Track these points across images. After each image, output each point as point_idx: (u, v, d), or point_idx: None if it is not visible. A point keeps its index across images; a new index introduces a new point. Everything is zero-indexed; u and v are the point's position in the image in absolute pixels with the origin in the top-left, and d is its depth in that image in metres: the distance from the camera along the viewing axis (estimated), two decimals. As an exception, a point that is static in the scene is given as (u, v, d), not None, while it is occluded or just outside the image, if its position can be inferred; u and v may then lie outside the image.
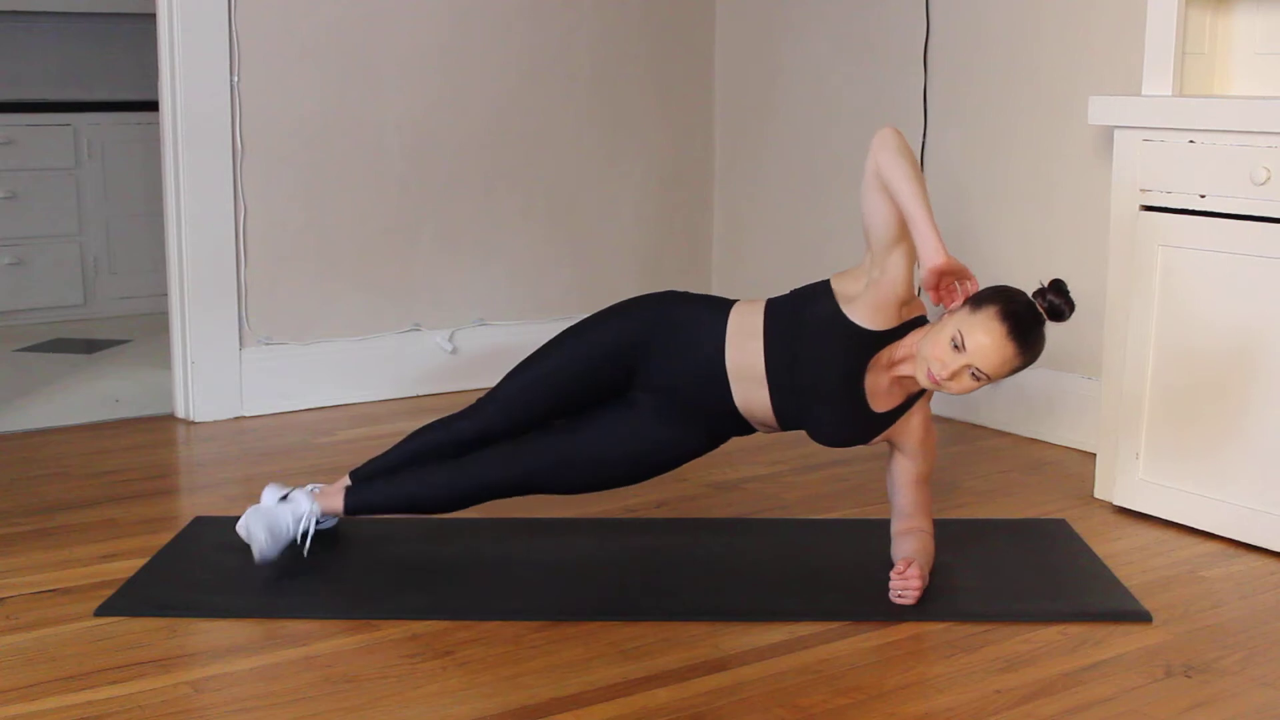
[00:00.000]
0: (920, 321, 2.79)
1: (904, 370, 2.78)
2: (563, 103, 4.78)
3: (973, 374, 2.64)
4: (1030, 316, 2.65)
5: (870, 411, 2.81)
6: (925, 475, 2.92)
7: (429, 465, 2.95)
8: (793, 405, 2.84)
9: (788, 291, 2.93)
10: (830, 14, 4.65)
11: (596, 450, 2.90)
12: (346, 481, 3.04)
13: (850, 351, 2.76)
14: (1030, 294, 2.70)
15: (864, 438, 2.86)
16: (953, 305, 2.68)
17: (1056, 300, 2.68)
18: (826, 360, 2.76)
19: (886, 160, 2.68)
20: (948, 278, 2.65)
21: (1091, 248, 3.85)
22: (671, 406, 2.88)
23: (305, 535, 2.94)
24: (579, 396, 2.94)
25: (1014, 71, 4.10)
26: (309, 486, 3.06)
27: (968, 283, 2.68)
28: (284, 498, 2.96)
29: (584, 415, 2.94)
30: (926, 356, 2.66)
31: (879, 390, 2.81)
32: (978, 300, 2.65)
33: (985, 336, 2.60)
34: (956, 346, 2.62)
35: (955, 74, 4.27)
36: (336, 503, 2.96)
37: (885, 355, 2.77)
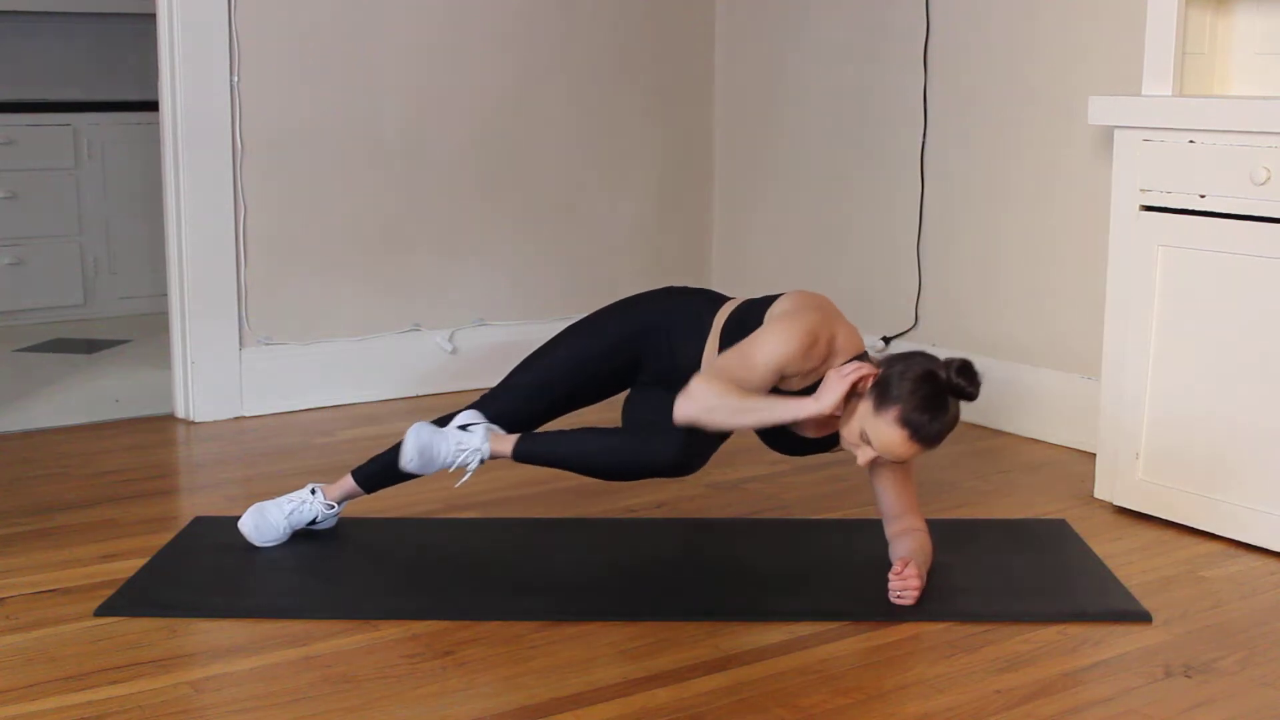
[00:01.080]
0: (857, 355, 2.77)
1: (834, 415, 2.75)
2: (563, 102, 4.78)
3: (886, 459, 2.67)
4: (933, 410, 2.58)
5: (803, 439, 2.84)
6: (905, 476, 2.90)
7: (588, 431, 2.88)
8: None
9: (759, 297, 2.93)
10: (830, 14, 4.65)
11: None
12: (349, 480, 3.05)
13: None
14: (938, 368, 2.60)
15: (815, 451, 2.88)
16: (862, 388, 2.62)
17: (962, 383, 2.58)
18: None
19: (707, 420, 2.66)
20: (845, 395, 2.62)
21: (1091, 248, 3.85)
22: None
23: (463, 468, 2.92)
24: (585, 390, 2.99)
25: (1014, 71, 4.10)
26: (309, 486, 3.07)
27: (855, 378, 2.61)
28: (463, 428, 2.93)
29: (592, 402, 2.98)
30: (843, 436, 2.68)
31: (811, 424, 2.79)
32: (883, 393, 2.59)
33: (889, 438, 2.60)
34: (865, 440, 2.63)
35: (955, 74, 4.27)
36: (504, 447, 2.89)
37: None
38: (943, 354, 2.68)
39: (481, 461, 2.91)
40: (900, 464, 2.88)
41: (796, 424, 2.77)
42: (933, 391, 2.58)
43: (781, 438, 2.88)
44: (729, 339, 2.84)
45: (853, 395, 2.63)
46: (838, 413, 2.65)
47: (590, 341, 2.98)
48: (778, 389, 2.73)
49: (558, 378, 2.97)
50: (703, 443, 2.81)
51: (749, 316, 2.85)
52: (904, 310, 4.47)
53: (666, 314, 2.95)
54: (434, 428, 2.94)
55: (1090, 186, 3.89)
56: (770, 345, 2.69)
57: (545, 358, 3.01)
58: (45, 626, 2.63)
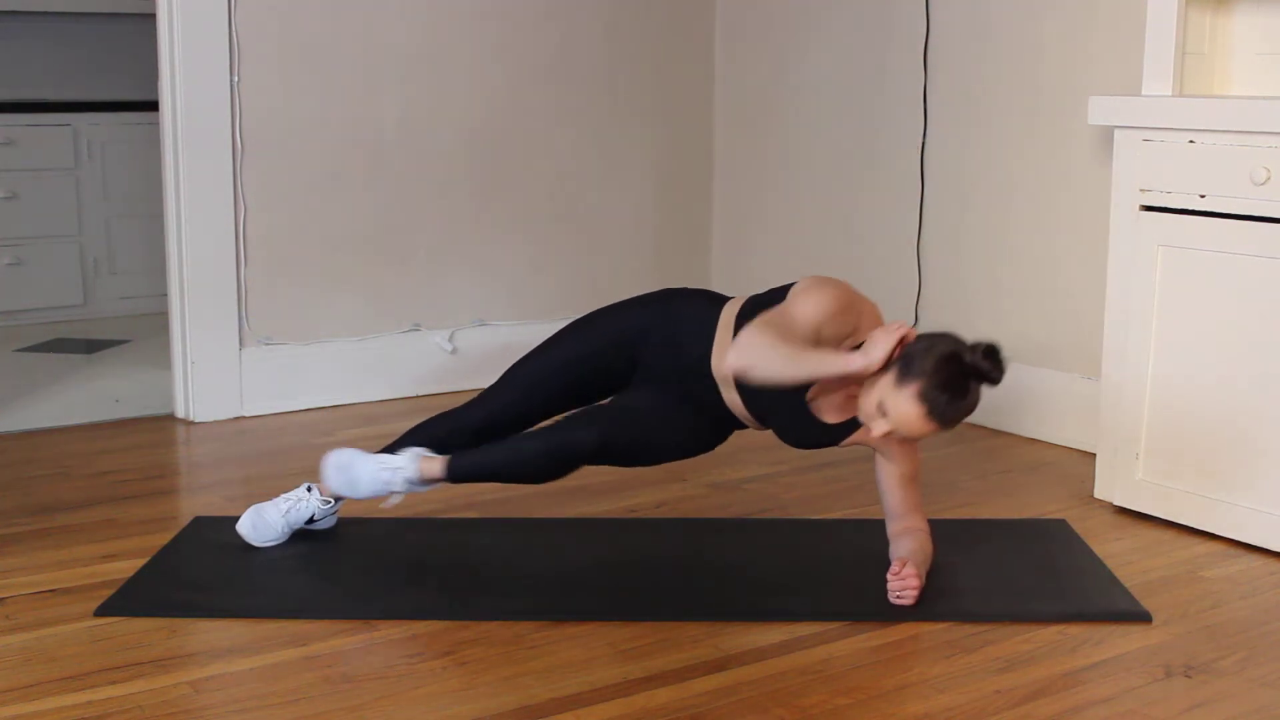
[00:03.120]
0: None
1: (856, 391, 2.78)
2: (563, 102, 4.78)
3: (899, 435, 2.67)
4: (953, 392, 2.58)
5: (821, 423, 2.84)
6: (910, 475, 2.91)
7: (513, 438, 2.90)
8: (759, 409, 2.88)
9: (764, 291, 2.93)
10: (830, 14, 4.65)
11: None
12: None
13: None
14: (964, 349, 2.61)
15: (826, 443, 2.89)
16: (894, 356, 2.63)
17: (986, 366, 2.59)
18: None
19: (758, 372, 2.65)
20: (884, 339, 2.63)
21: (1091, 248, 3.85)
22: (676, 394, 2.90)
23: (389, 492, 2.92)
24: (585, 385, 2.99)
25: (1014, 71, 4.09)
26: (304, 485, 3.07)
27: (903, 333, 2.62)
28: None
29: (591, 398, 2.98)
30: (862, 406, 2.69)
31: (831, 405, 2.82)
32: (906, 367, 2.60)
33: (906, 411, 2.60)
34: (882, 413, 2.63)
35: (955, 74, 4.27)
36: (435, 468, 2.88)
37: (834, 379, 2.77)
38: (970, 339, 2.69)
39: (408, 483, 2.89)
40: (908, 462, 2.88)
41: (821, 400, 2.78)
42: (956, 372, 2.58)
43: (797, 424, 2.85)
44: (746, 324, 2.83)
45: (890, 362, 2.62)
46: (875, 373, 2.64)
47: (585, 341, 2.98)
48: None
49: (552, 377, 2.97)
50: (637, 429, 2.84)
51: (767, 303, 2.84)
52: (904, 310, 4.47)
53: (667, 313, 2.95)
54: (358, 451, 2.93)
55: (1090, 186, 3.89)
56: (808, 305, 2.70)
57: (541, 357, 3.01)
58: (45, 626, 2.63)
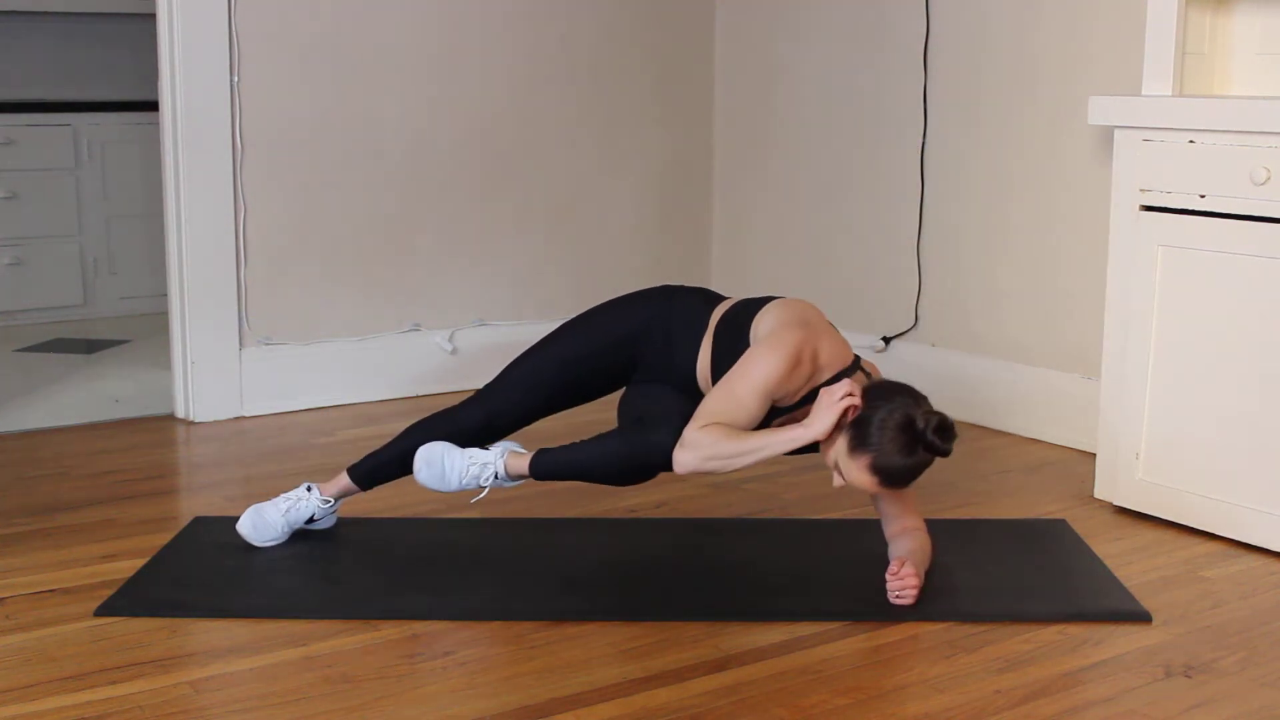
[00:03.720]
0: (830, 383, 2.75)
1: None
2: (562, 102, 4.78)
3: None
4: (902, 459, 2.59)
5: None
6: None
7: (597, 438, 2.87)
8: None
9: (757, 297, 2.94)
10: (830, 14, 4.65)
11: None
12: (344, 477, 3.05)
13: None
14: (916, 418, 2.59)
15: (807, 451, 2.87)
16: (841, 422, 2.63)
17: (937, 441, 2.58)
18: None
19: (711, 466, 2.68)
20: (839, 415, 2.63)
21: (1091, 248, 3.85)
22: (673, 398, 2.90)
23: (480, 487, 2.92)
24: (582, 387, 2.99)
25: (1014, 71, 4.10)
26: (304, 484, 3.07)
27: (846, 404, 2.62)
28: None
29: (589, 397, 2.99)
30: (822, 456, 2.70)
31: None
32: (860, 437, 2.60)
33: (859, 479, 2.63)
34: (839, 471, 2.66)
35: (955, 74, 4.27)
36: (521, 465, 2.88)
37: (801, 413, 2.78)
38: (928, 394, 2.70)
39: (496, 477, 2.90)
40: None
41: (794, 417, 2.79)
42: (907, 442, 2.59)
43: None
44: (721, 340, 2.86)
45: (842, 425, 2.64)
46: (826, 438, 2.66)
47: (586, 339, 2.98)
48: (774, 407, 2.75)
49: (552, 375, 2.97)
50: None
51: (739, 320, 2.86)
52: (904, 310, 4.47)
53: (663, 312, 2.95)
54: (448, 445, 2.93)
55: (1090, 186, 3.89)
56: (753, 376, 2.70)
57: (540, 354, 3.00)
58: (45, 626, 2.63)
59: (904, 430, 2.58)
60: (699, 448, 2.66)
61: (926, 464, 2.63)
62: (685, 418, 2.74)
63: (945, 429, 2.60)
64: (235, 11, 4.14)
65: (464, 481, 2.91)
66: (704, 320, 2.90)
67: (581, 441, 2.86)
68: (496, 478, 2.90)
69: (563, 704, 2.33)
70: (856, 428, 2.61)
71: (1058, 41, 3.97)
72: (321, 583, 2.87)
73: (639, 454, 2.76)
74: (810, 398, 2.75)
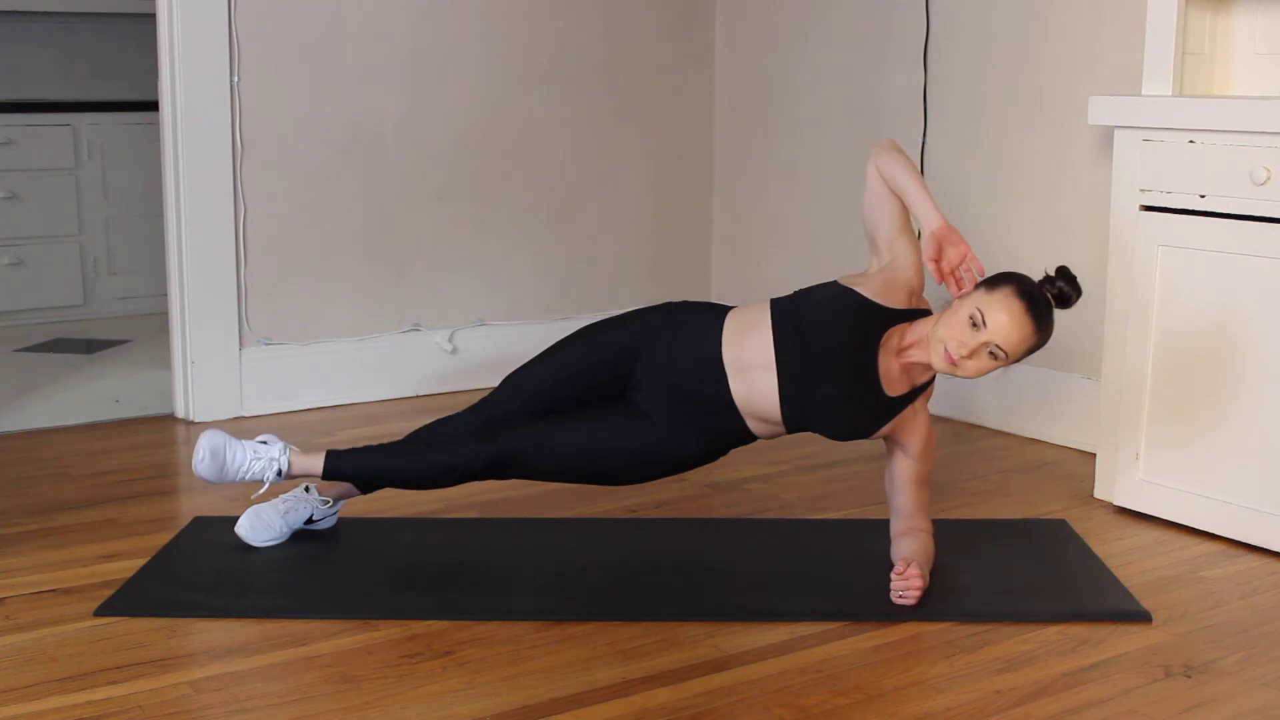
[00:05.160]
0: (927, 314, 2.85)
1: (913, 356, 2.79)
2: (563, 103, 4.78)
3: (991, 352, 2.68)
4: (1044, 297, 2.73)
5: (881, 392, 2.80)
6: (924, 475, 2.92)
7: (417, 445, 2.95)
8: (798, 388, 2.80)
9: (790, 294, 2.94)
10: (830, 14, 4.65)
11: (594, 440, 2.88)
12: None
13: (862, 324, 2.78)
14: (1038, 280, 2.77)
15: (871, 424, 2.83)
16: (963, 291, 2.74)
17: (1065, 287, 2.76)
18: (839, 331, 2.77)
19: (885, 159, 2.89)
20: (950, 250, 2.74)
21: (1091, 248, 3.85)
22: (671, 407, 2.88)
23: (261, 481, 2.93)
24: (579, 398, 2.96)
25: (1014, 71, 4.09)
26: (302, 484, 3.07)
27: (973, 266, 2.76)
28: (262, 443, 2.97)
29: (587, 409, 2.95)
30: (943, 337, 2.69)
31: (889, 375, 2.81)
32: (991, 282, 2.73)
33: (1004, 313, 2.66)
34: (975, 324, 2.67)
35: (955, 74, 4.27)
36: (311, 464, 2.91)
37: (895, 337, 2.80)
38: None
39: (280, 474, 2.89)
40: (924, 461, 2.89)
41: (888, 346, 2.81)
42: (1040, 285, 2.76)
43: (856, 399, 2.80)
44: (788, 315, 2.84)
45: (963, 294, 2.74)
46: (922, 339, 2.78)
47: (589, 350, 2.96)
48: (881, 307, 2.80)
49: (552, 387, 2.95)
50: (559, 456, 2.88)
51: (805, 297, 2.87)
52: (904, 310, 4.47)
53: (667, 324, 2.93)
54: (229, 436, 2.93)
55: (1090, 186, 3.89)
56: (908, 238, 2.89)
57: (542, 366, 2.99)
58: (45, 626, 2.63)
59: (1027, 278, 2.74)
60: (890, 149, 2.90)
61: (1056, 308, 2.75)
62: (487, 435, 2.84)
63: (1065, 271, 2.78)
64: (235, 11, 4.14)
65: (244, 475, 2.90)
66: (713, 319, 2.89)
67: (384, 446, 2.92)
68: (280, 474, 2.90)
69: (563, 704, 2.33)
70: (984, 281, 2.74)
71: (1058, 41, 3.97)
72: (321, 583, 2.87)
73: (448, 472, 2.85)
74: (913, 316, 2.82)
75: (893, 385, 2.81)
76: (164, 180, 4.19)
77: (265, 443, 2.93)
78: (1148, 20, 3.41)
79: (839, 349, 2.77)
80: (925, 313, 2.85)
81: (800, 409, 2.83)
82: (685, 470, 2.96)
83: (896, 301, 2.81)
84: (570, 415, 2.92)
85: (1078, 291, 2.77)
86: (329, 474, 2.93)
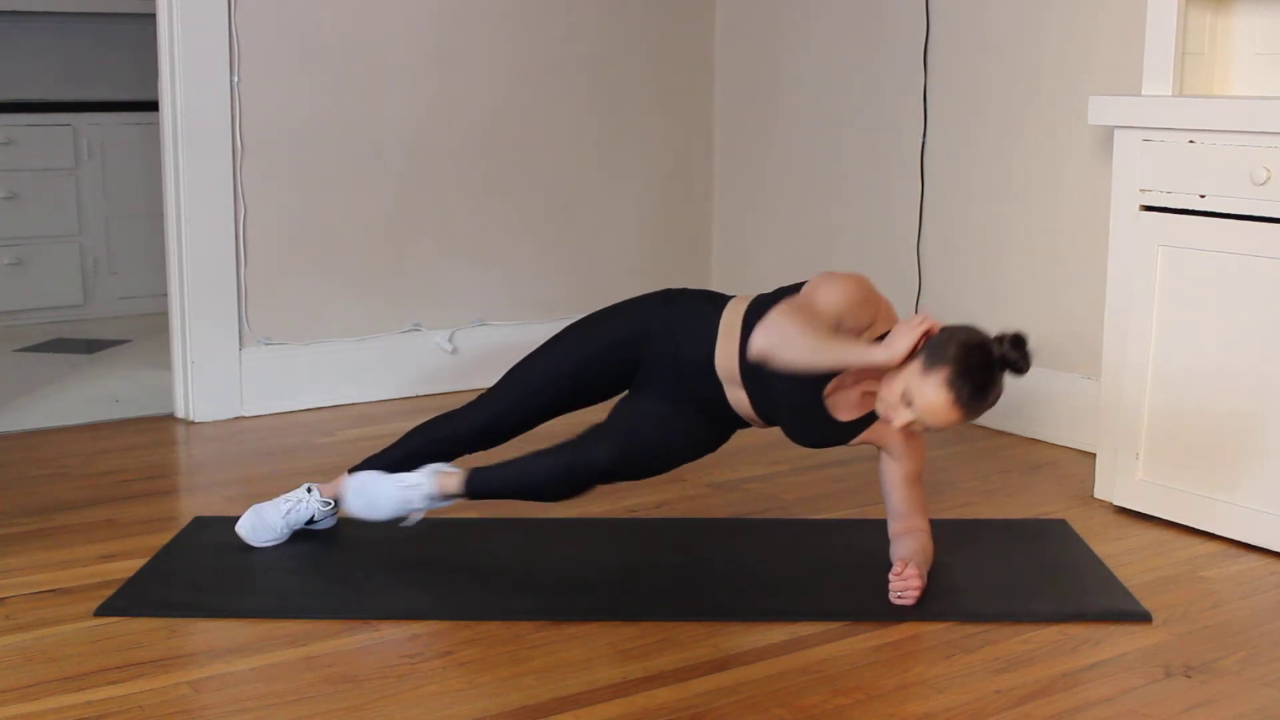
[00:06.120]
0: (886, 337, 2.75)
1: (872, 388, 2.78)
2: (562, 102, 4.78)
3: (922, 425, 2.66)
4: (980, 380, 2.59)
5: (834, 420, 2.82)
6: (915, 474, 2.91)
7: (531, 454, 2.86)
8: (766, 407, 2.87)
9: (771, 291, 2.92)
10: (830, 14, 4.65)
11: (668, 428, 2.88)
12: (345, 479, 3.05)
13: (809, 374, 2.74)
14: (991, 340, 2.62)
15: (836, 441, 2.87)
16: (916, 347, 2.62)
17: (1014, 356, 2.60)
18: (786, 377, 2.74)
19: (782, 355, 2.64)
20: (908, 334, 2.62)
21: (1091, 248, 3.85)
22: (679, 397, 2.89)
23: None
24: (583, 391, 2.98)
25: (1014, 71, 4.09)
26: (304, 485, 3.07)
27: (927, 325, 2.62)
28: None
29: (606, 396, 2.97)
30: (883, 397, 2.68)
31: (848, 402, 2.81)
32: (932, 355, 2.60)
33: (933, 399, 2.59)
34: (907, 402, 2.62)
35: (955, 74, 4.27)
36: (453, 483, 2.87)
37: (851, 374, 2.77)
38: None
39: (428, 499, 2.88)
40: (914, 461, 2.88)
41: (836, 396, 2.78)
42: (983, 360, 2.59)
43: (810, 421, 2.83)
44: (753, 324, 2.80)
45: (913, 354, 2.61)
46: (897, 365, 2.63)
47: (585, 343, 2.97)
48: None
49: (553, 381, 2.96)
50: (651, 442, 2.81)
51: (773, 302, 2.82)
52: (904, 310, 4.46)
53: (666, 315, 2.94)
54: (377, 473, 2.92)
55: (1090, 186, 3.89)
56: (830, 294, 2.69)
57: (542, 358, 3.00)
58: (45, 626, 2.63)
59: (980, 347, 2.59)
60: (775, 329, 2.62)
61: (999, 385, 2.61)
62: (634, 428, 2.75)
63: (1019, 341, 2.59)
64: (235, 11, 4.14)
65: (396, 508, 2.89)
66: (712, 318, 2.88)
67: (517, 458, 2.86)
68: (430, 499, 2.89)
69: (563, 704, 2.33)
70: (930, 348, 2.60)
71: (1058, 42, 3.97)
72: (321, 583, 2.87)
73: (571, 470, 2.76)
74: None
75: (849, 411, 2.82)
76: (164, 180, 4.19)
77: (412, 471, 2.92)
78: (1148, 20, 3.41)
79: (788, 392, 2.78)
80: (885, 337, 2.72)
81: (771, 423, 2.91)
82: (703, 450, 2.97)
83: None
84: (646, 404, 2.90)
85: (1028, 363, 2.60)
86: (473, 494, 2.88)
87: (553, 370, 2.97)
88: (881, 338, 2.71)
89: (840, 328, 2.69)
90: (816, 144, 4.74)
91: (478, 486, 2.87)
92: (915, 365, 2.61)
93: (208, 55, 4.11)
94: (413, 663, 2.49)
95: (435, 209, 4.58)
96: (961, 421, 2.63)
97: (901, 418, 2.63)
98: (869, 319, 2.73)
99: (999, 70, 4.14)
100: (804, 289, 2.77)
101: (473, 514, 3.29)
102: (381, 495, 2.89)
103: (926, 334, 2.62)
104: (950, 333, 2.63)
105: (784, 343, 2.62)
